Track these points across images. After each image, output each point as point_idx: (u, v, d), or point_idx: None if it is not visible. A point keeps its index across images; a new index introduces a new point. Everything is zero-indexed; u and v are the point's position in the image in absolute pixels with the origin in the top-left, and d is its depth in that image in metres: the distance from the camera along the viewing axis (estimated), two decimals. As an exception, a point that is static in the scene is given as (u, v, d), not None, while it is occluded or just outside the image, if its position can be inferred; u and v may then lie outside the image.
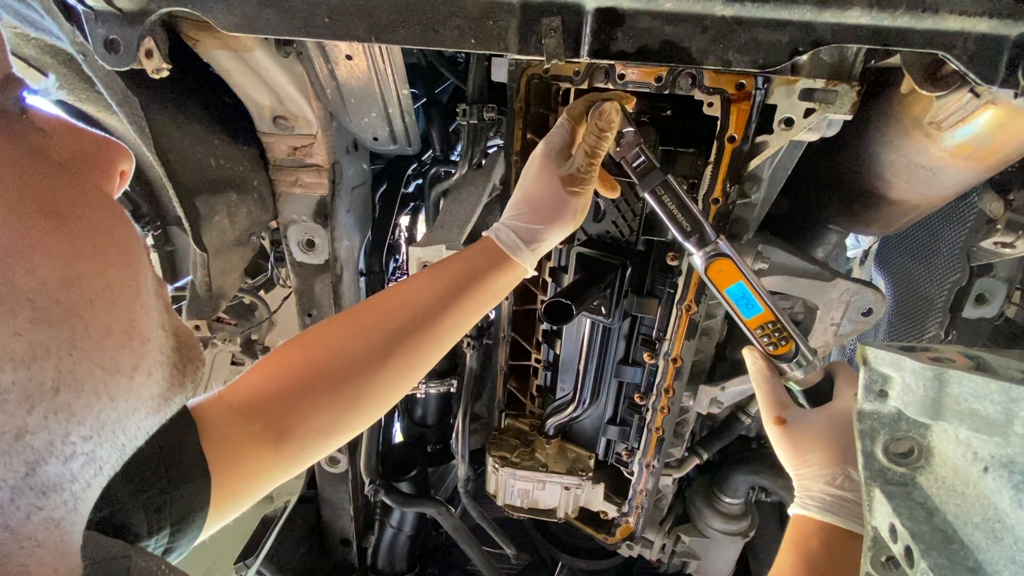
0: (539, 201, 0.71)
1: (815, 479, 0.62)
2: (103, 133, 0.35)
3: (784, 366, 0.70)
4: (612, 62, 0.73)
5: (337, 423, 0.64)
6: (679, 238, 0.71)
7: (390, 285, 1.07)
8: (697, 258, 0.70)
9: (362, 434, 1.37)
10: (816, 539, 0.59)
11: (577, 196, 0.70)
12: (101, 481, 0.31)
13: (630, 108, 0.72)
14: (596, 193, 0.79)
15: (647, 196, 0.71)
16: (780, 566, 0.60)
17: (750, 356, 0.72)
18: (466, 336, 1.29)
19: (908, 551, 0.32)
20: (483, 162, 1.14)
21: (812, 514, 0.60)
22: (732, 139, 0.72)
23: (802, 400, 0.71)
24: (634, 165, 0.71)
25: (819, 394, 0.69)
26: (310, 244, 1.13)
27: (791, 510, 0.63)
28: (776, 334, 0.69)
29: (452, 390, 1.43)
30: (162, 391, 0.33)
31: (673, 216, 0.70)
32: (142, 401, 0.31)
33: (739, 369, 1.03)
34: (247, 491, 0.59)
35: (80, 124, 0.34)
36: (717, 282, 0.70)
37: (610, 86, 0.75)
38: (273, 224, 1.13)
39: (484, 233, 0.73)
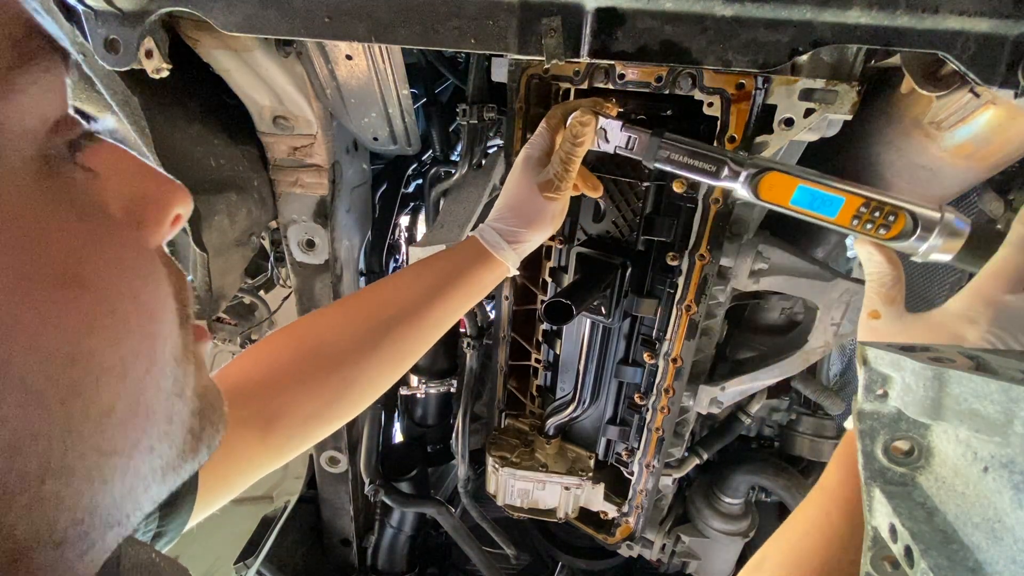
0: (519, 206, 0.74)
1: None
2: (166, 174, 0.32)
3: (909, 244, 0.55)
4: (612, 62, 0.73)
5: (325, 411, 0.65)
6: (711, 182, 0.65)
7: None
8: (741, 189, 0.63)
9: (362, 434, 1.37)
10: None
11: (553, 202, 0.73)
12: (99, 556, 0.28)
13: (612, 114, 0.72)
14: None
15: (658, 165, 0.68)
16: (826, 480, 0.56)
17: (864, 250, 0.59)
18: (466, 336, 1.30)
19: (908, 551, 0.32)
20: (483, 162, 1.14)
21: None
22: (732, 139, 0.72)
23: (972, 268, 0.55)
24: (629, 147, 0.70)
25: (987, 249, 0.51)
26: (310, 244, 1.13)
27: (847, 423, 0.57)
28: (877, 213, 0.56)
29: (452, 390, 1.43)
30: (169, 461, 0.30)
31: (692, 167, 0.65)
32: (140, 479, 0.29)
33: (739, 369, 1.03)
34: (235, 477, 0.59)
35: (145, 162, 0.32)
36: (776, 199, 0.61)
37: (610, 86, 0.75)
38: (273, 224, 1.13)
39: (469, 233, 0.76)
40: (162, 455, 0.30)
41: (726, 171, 0.63)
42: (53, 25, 0.27)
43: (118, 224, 0.29)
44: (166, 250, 0.33)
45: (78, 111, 0.29)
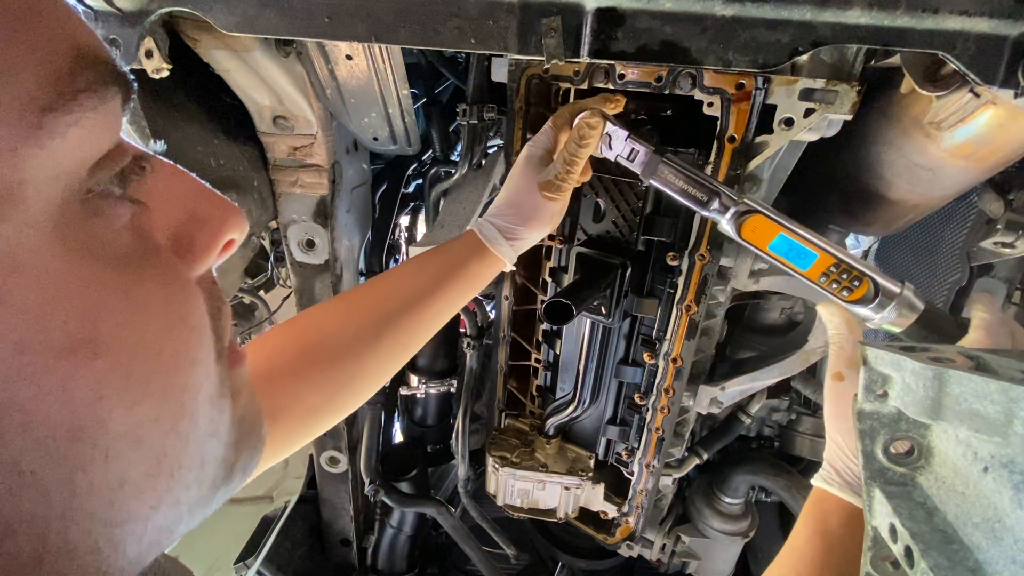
0: (518, 203, 0.74)
1: (842, 452, 0.58)
2: (222, 196, 0.30)
3: (866, 311, 0.58)
4: (612, 62, 0.73)
5: (329, 403, 0.65)
6: (699, 211, 0.67)
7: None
8: (725, 224, 0.65)
9: (362, 434, 1.37)
10: (835, 518, 0.57)
11: (552, 201, 0.73)
12: None
13: (620, 108, 0.72)
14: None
15: (653, 183, 0.69)
16: (795, 539, 0.58)
17: (826, 312, 0.63)
18: (466, 336, 1.29)
19: (908, 551, 0.32)
20: (483, 162, 1.14)
21: (833, 490, 0.58)
22: (732, 139, 0.72)
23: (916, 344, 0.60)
24: (630, 158, 0.71)
25: (941, 334, 0.56)
26: (310, 244, 1.13)
27: (814, 480, 0.61)
28: (845, 276, 0.59)
29: (452, 390, 1.43)
30: (200, 499, 0.28)
31: (685, 192, 0.67)
32: (163, 531, 0.26)
33: (739, 369, 1.03)
34: None
35: (202, 183, 0.29)
36: (756, 242, 0.63)
37: (610, 86, 0.75)
38: (273, 224, 1.13)
39: (468, 227, 0.77)
40: (190, 500, 0.27)
41: (716, 204, 0.65)
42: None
43: (158, 259, 0.26)
44: (214, 273, 0.31)
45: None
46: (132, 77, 0.25)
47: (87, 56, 0.22)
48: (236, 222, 0.30)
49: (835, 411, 0.60)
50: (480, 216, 1.08)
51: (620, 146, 0.71)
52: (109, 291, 0.23)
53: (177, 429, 0.26)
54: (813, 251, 0.60)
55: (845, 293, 0.59)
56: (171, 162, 0.29)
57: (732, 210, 0.64)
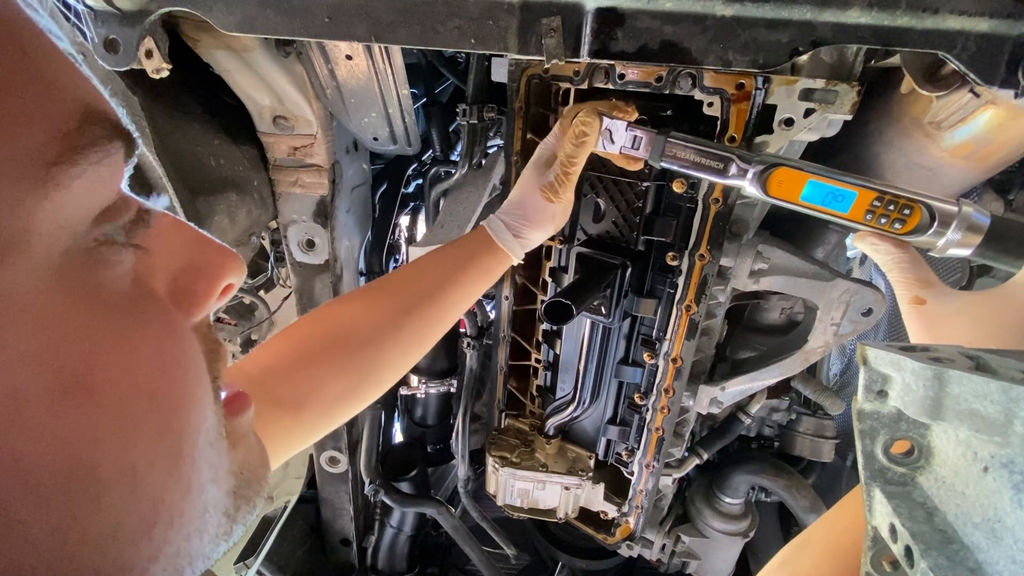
0: (523, 203, 0.78)
1: None
2: (221, 242, 0.31)
3: (926, 239, 0.53)
4: (612, 62, 0.73)
5: (354, 390, 0.68)
6: (719, 180, 0.64)
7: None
8: (750, 187, 0.61)
9: (362, 434, 1.37)
10: None
11: (552, 204, 0.76)
12: None
13: (632, 117, 0.72)
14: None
15: (664, 165, 0.68)
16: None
17: (866, 244, 0.57)
18: (466, 336, 1.30)
19: (908, 551, 0.32)
20: (483, 162, 1.14)
21: None
22: (732, 139, 0.72)
23: (993, 263, 0.53)
24: (634, 147, 0.71)
25: (1008, 242, 0.50)
26: (310, 244, 1.13)
27: None
28: (892, 207, 0.54)
29: (452, 390, 1.43)
30: (200, 552, 0.27)
31: (699, 165, 0.65)
32: None
33: (739, 369, 1.03)
34: (270, 456, 0.60)
35: (201, 231, 0.30)
36: (786, 196, 0.59)
37: (610, 86, 0.75)
38: (273, 224, 1.13)
39: (480, 223, 0.81)
40: (192, 553, 0.27)
41: (733, 168, 0.63)
42: (118, 106, 0.24)
43: (155, 304, 0.26)
44: (211, 319, 0.31)
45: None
46: (136, 134, 0.25)
47: (95, 114, 0.23)
48: (234, 268, 0.31)
49: (927, 337, 0.52)
50: (480, 216, 1.09)
51: (622, 137, 0.71)
52: (103, 334, 0.23)
53: (175, 473, 0.25)
54: (850, 190, 0.55)
55: (897, 225, 0.54)
56: (172, 215, 0.29)
57: (752, 171, 0.61)
